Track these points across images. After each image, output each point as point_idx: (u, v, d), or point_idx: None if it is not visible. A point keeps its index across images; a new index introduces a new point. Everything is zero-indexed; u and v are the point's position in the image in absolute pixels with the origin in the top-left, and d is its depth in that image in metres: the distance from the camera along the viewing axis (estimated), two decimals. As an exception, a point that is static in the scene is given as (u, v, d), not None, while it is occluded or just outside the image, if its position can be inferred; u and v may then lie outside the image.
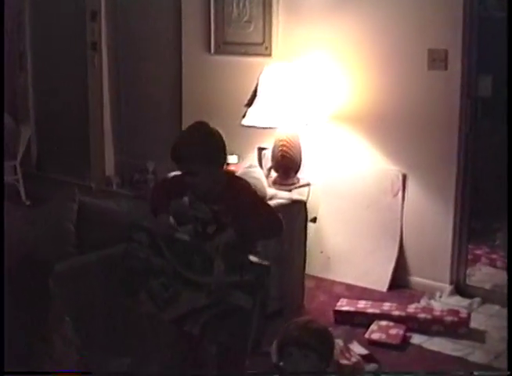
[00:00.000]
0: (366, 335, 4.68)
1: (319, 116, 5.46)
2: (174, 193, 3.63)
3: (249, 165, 5.04)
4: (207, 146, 3.42)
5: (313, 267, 5.56)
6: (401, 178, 5.47)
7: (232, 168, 5.45)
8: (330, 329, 4.60)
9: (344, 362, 4.12)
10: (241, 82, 5.93)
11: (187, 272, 3.41)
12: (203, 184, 3.45)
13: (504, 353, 4.46)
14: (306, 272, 5.24)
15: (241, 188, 3.56)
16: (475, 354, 4.52)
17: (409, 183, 5.48)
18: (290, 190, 5.19)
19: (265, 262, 3.42)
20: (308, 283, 5.39)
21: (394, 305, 5.03)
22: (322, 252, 5.77)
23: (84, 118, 7.63)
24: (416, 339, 4.71)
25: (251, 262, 3.41)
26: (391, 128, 5.46)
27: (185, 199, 3.60)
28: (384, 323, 4.78)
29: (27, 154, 8.08)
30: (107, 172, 7.38)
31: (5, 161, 7.67)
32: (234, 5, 6.12)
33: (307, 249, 5.14)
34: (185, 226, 3.61)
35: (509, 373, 2.71)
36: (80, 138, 7.71)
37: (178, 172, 3.58)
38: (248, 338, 3.46)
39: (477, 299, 5.28)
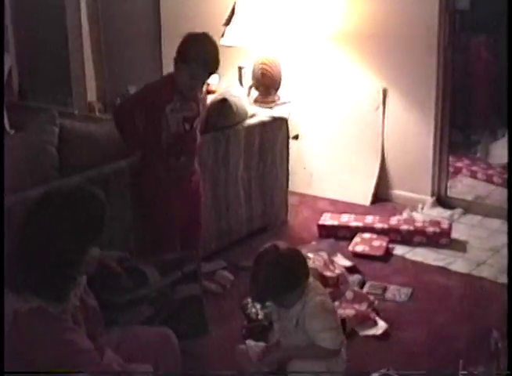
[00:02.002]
0: (350, 248, 4.77)
1: (298, 34, 5.43)
2: (166, 99, 3.78)
3: (229, 84, 5.05)
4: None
5: (296, 184, 5.61)
6: (381, 93, 5.48)
7: (212, 87, 5.46)
8: (314, 243, 4.72)
9: (328, 274, 4.21)
10: (219, 0, 5.88)
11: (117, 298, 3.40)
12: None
13: (484, 262, 4.57)
14: (289, 189, 5.30)
15: None
16: (457, 263, 4.62)
17: (390, 98, 5.50)
18: (271, 108, 5.20)
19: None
20: (292, 200, 5.45)
21: (377, 217, 5.11)
22: (304, 168, 5.82)
23: (64, 45, 7.55)
24: (399, 250, 4.81)
25: (185, 254, 3.64)
26: (370, 44, 5.44)
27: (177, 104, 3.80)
28: (367, 235, 4.87)
29: (9, 84, 8.03)
30: (89, 98, 7.33)
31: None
32: None
33: (289, 166, 5.19)
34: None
35: (509, 373, 2.78)
36: (60, 65, 7.64)
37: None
38: (206, 319, 3.58)
39: (459, 210, 5.37)
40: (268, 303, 3.45)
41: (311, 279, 3.20)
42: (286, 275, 3.04)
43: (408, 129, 5.47)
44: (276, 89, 5.43)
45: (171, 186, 3.89)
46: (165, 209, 3.93)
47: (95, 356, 2.91)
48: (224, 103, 4.48)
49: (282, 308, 3.17)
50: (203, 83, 3.92)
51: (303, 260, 3.15)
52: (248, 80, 5.52)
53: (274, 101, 5.35)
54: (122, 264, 3.44)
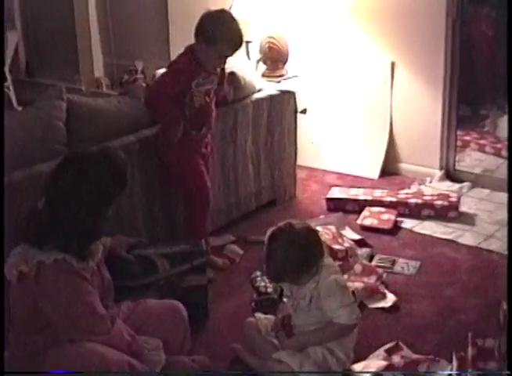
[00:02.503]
0: (358, 221, 4.77)
1: (306, 7, 5.39)
2: (193, 76, 3.92)
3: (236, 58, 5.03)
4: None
5: (304, 158, 5.61)
6: (389, 66, 5.45)
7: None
8: (322, 217, 4.72)
9: (337, 247, 4.22)
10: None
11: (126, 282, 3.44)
12: None
13: (492, 236, 4.57)
14: (297, 163, 5.29)
15: None
16: (465, 236, 4.63)
17: (398, 72, 5.47)
18: (278, 82, 5.18)
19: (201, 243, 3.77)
20: (300, 174, 5.46)
21: (386, 191, 5.11)
22: (312, 143, 5.81)
23: (71, 21, 7.53)
24: (408, 224, 4.81)
25: (195, 248, 3.68)
26: (379, 17, 5.40)
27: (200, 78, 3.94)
28: (375, 209, 4.87)
29: (15, 61, 8.02)
30: (96, 74, 7.33)
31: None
32: None
33: (297, 140, 5.18)
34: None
35: (509, 373, 2.78)
36: (67, 41, 7.63)
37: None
38: (207, 307, 3.74)
39: (467, 184, 5.36)
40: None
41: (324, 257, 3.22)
42: (302, 254, 3.05)
43: (416, 103, 5.45)
44: (284, 63, 5.40)
45: (193, 157, 4.03)
46: (195, 177, 4.07)
47: (108, 323, 2.95)
48: (232, 76, 4.47)
49: (295, 285, 3.18)
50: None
51: (318, 239, 3.16)
52: (255, 54, 5.50)
53: (282, 75, 5.32)
54: (133, 250, 3.51)
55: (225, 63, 4.03)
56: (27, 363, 2.97)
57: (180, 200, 4.19)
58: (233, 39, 3.87)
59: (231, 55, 3.94)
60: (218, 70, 4.03)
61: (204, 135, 4.07)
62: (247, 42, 5.56)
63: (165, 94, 3.89)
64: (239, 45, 3.92)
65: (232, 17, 3.95)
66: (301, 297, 3.16)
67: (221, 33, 3.82)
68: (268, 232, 3.24)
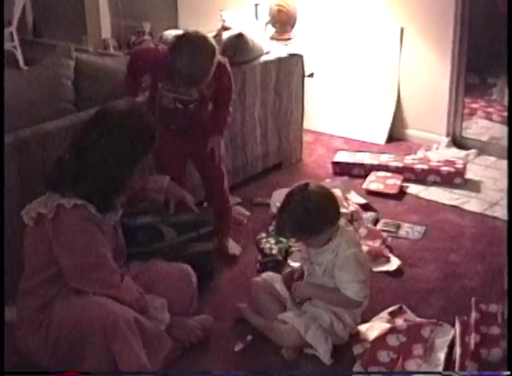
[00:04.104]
0: (364, 185, 4.78)
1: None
2: (159, 77, 3.64)
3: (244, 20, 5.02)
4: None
5: (311, 122, 5.60)
6: (399, 31, 5.42)
7: (227, 24, 5.40)
8: (328, 180, 4.72)
9: (343, 210, 4.21)
10: None
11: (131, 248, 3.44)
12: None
13: (497, 203, 4.58)
14: (304, 126, 5.29)
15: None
16: (470, 203, 4.64)
17: (407, 38, 5.44)
18: (286, 45, 5.16)
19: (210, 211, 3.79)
20: (307, 138, 5.46)
21: (392, 156, 5.12)
22: (320, 107, 5.80)
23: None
24: (413, 189, 4.82)
25: (203, 217, 3.69)
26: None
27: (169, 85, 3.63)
28: (381, 173, 4.87)
29: (23, 21, 7.99)
30: (104, 35, 7.29)
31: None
32: None
33: (305, 104, 5.17)
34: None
35: (509, 373, 2.78)
36: (75, 2, 7.59)
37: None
38: (211, 271, 3.76)
39: (473, 151, 5.36)
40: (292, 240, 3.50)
41: (345, 226, 3.23)
42: (315, 214, 3.06)
43: (424, 69, 5.42)
44: (292, 26, 5.39)
45: (170, 147, 3.75)
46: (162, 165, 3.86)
47: (118, 277, 2.99)
48: (240, 38, 4.45)
49: (312, 248, 3.20)
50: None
51: (334, 201, 3.15)
52: (264, 16, 5.48)
53: (290, 38, 5.31)
54: (141, 218, 3.56)
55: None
56: (34, 315, 3.00)
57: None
58: (180, 75, 3.44)
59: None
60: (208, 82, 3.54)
61: (188, 134, 3.79)
62: (256, 4, 5.55)
63: (136, 66, 3.73)
64: (185, 83, 3.51)
65: (195, 49, 3.40)
66: (318, 263, 3.18)
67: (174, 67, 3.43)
68: (281, 193, 3.25)
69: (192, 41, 3.41)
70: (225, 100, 3.77)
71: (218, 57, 3.50)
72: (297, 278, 3.33)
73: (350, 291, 3.09)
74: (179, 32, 5.11)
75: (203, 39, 3.42)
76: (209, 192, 4.02)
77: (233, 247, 4.02)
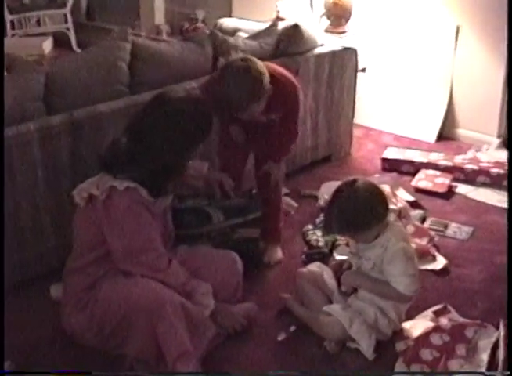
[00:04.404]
0: (413, 183, 4.74)
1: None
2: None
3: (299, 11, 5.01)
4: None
5: (361, 117, 5.58)
6: (454, 29, 5.37)
7: (281, 14, 5.39)
8: (377, 176, 4.70)
9: (391, 207, 4.19)
10: None
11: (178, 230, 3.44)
12: None
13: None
14: (355, 121, 5.27)
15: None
16: (519, 206, 4.57)
17: (462, 36, 5.38)
18: (341, 38, 5.13)
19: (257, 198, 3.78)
20: (357, 132, 5.44)
21: (442, 155, 5.07)
22: (371, 102, 5.77)
23: (134, -34, 7.54)
24: (462, 189, 4.77)
25: (251, 203, 3.69)
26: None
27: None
28: (430, 172, 4.83)
29: (76, 4, 8.06)
30: (157, 21, 7.33)
31: (55, 10, 7.72)
32: None
33: (356, 98, 5.14)
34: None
35: (509, 373, 2.75)
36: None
37: None
38: (257, 259, 3.76)
39: (524, 152, 5.28)
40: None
41: (394, 221, 3.21)
42: (362, 211, 3.04)
43: (478, 69, 5.36)
44: (347, 20, 5.35)
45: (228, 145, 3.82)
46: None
47: (166, 260, 3.00)
48: (295, 28, 4.44)
49: (360, 243, 3.19)
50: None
51: (382, 198, 3.13)
52: (319, 8, 5.46)
53: (344, 31, 5.28)
54: (189, 200, 3.60)
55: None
56: (80, 294, 3.03)
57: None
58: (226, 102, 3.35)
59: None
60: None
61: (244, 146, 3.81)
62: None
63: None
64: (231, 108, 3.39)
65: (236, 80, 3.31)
66: (366, 258, 3.17)
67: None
68: (329, 186, 3.24)
69: (233, 72, 3.32)
70: (290, 125, 3.68)
71: (267, 85, 3.35)
72: (345, 269, 3.31)
73: (400, 285, 3.07)
74: (234, 20, 5.19)
75: (244, 69, 3.30)
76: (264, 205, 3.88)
77: (271, 256, 3.91)
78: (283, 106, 3.54)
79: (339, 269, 3.34)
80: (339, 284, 3.29)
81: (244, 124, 3.64)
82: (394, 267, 3.07)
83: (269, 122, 3.61)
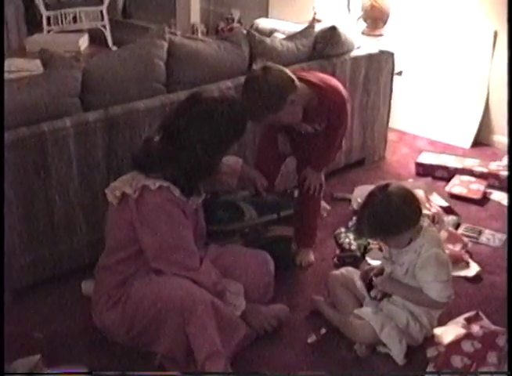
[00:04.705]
0: (447, 188, 4.71)
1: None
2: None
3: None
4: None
5: (396, 120, 5.55)
6: (492, 35, 5.33)
7: (318, 16, 5.38)
8: (411, 180, 4.67)
9: (425, 211, 4.16)
10: None
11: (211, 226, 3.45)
12: None
13: None
14: (390, 125, 5.23)
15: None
16: (555, 215, 4.52)
17: (500, 41, 5.33)
18: (378, 41, 5.12)
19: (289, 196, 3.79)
20: (391, 136, 5.42)
21: (477, 161, 5.03)
22: (407, 106, 5.73)
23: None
24: (496, 196, 4.73)
25: (284, 200, 3.68)
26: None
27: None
28: (465, 177, 4.79)
29: (113, 2, 8.10)
30: (192, 20, 7.34)
31: (92, 6, 7.77)
32: None
33: (392, 102, 5.11)
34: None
35: (509, 373, 2.72)
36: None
37: None
38: (290, 258, 3.78)
39: (560, 161, 5.22)
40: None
41: (428, 227, 3.19)
42: (395, 216, 3.01)
43: (516, 75, 5.32)
44: (384, 23, 5.34)
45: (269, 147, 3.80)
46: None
47: (198, 260, 3.00)
48: (333, 30, 4.42)
49: (393, 248, 3.16)
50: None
51: (416, 203, 3.09)
52: (356, 11, 5.45)
53: (381, 34, 5.27)
54: (223, 196, 3.60)
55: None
56: (112, 291, 3.03)
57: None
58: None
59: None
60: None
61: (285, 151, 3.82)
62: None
63: None
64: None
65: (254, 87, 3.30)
66: (400, 263, 3.14)
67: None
68: (362, 189, 3.22)
69: (249, 82, 3.35)
70: (334, 137, 3.61)
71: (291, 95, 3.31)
72: (375, 275, 3.29)
73: (432, 292, 3.04)
74: (270, 21, 5.18)
75: (261, 80, 3.28)
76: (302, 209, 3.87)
77: (303, 258, 3.89)
78: (327, 116, 3.51)
79: (366, 278, 3.31)
80: (368, 290, 3.27)
81: (289, 131, 3.65)
82: (427, 273, 3.04)
83: (315, 131, 3.59)
